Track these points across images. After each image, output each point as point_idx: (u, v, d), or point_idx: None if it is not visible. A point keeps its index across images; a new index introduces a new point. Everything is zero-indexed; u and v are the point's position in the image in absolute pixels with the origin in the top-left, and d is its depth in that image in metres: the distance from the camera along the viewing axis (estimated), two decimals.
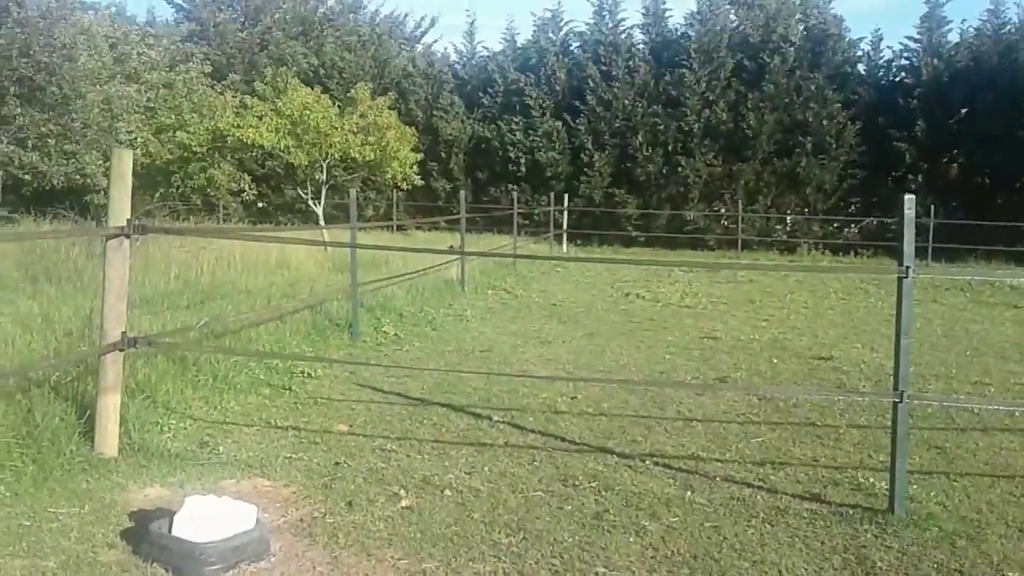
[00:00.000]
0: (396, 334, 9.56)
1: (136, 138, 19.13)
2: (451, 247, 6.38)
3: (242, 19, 34.26)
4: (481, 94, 29.44)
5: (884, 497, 4.53)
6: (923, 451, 5.52)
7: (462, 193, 16.04)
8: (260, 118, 19.53)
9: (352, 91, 22.37)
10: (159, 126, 21.32)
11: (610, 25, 28.91)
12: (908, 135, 25.02)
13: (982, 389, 7.56)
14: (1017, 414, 6.47)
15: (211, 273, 12.25)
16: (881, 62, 27.50)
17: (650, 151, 26.84)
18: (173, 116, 21.40)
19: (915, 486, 4.76)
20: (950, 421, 6.31)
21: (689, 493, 4.66)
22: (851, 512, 4.41)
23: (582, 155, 27.61)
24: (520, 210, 20.93)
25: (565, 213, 25.08)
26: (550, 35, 29.84)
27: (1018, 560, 3.84)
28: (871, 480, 4.90)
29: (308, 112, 19.23)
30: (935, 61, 25.50)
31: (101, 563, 3.58)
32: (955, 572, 3.72)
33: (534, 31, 30.11)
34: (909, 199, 4.33)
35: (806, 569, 3.73)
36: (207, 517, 3.61)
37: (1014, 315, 12.63)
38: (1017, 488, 4.85)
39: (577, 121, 27.68)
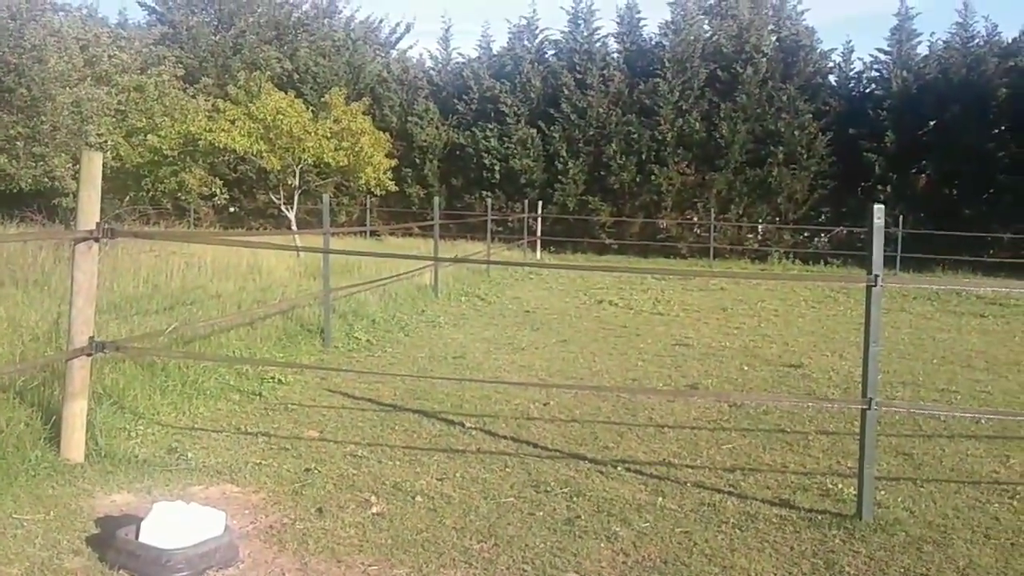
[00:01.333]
0: (368, 340, 9.52)
1: (106, 141, 18.88)
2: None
3: (215, 22, 33.96)
4: (456, 101, 29.45)
5: (852, 503, 4.58)
6: (891, 457, 5.58)
7: (436, 199, 16.02)
8: (233, 122, 19.37)
9: (326, 96, 22.26)
10: (130, 129, 21.07)
11: (585, 33, 29.09)
12: (878, 146, 25.39)
13: (949, 396, 7.67)
14: (983, 421, 6.57)
15: (181, 278, 12.13)
16: (852, 73, 27.94)
17: (624, 159, 26.99)
18: (144, 119, 21.15)
19: (883, 492, 4.82)
20: (917, 428, 6.39)
21: (660, 499, 4.68)
22: (820, 517, 4.45)
23: (556, 162, 27.70)
24: (494, 217, 20.93)
25: (539, 220, 25.14)
26: (525, 43, 29.97)
27: (983, 565, 3.90)
28: (839, 486, 4.94)
29: (281, 116, 19.09)
30: (905, 73, 25.91)
31: (67, 570, 3.53)
32: None
33: (509, 38, 30.27)
34: (878, 209, 4.39)
35: (775, 574, 3.76)
36: (175, 523, 3.57)
37: (980, 324, 12.82)
38: (982, 494, 4.92)
39: (552, 129, 27.77)
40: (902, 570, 3.84)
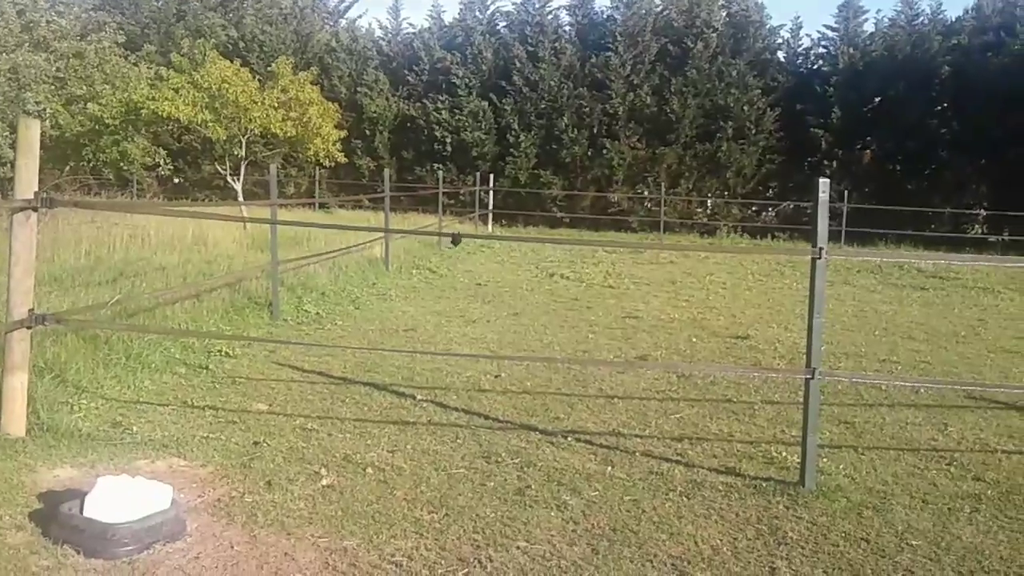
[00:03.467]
0: (318, 313, 9.43)
1: (45, 109, 18.31)
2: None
3: None
4: (407, 72, 29.10)
5: (796, 470, 4.69)
6: (833, 426, 5.72)
7: (386, 172, 15.88)
8: (176, 91, 18.92)
9: (273, 65, 21.81)
10: (69, 97, 20.45)
11: (537, 5, 28.90)
12: (824, 122, 25.73)
13: (890, 367, 7.87)
14: (922, 391, 6.75)
15: (124, 250, 11.89)
16: (800, 50, 28.23)
17: (575, 133, 26.99)
18: (84, 87, 20.54)
19: (825, 459, 4.94)
20: (859, 397, 6.55)
21: (609, 468, 4.73)
22: (764, 485, 4.55)
23: (508, 136, 27.59)
24: (445, 190, 20.82)
25: (491, 193, 25.06)
26: (477, 14, 29.68)
27: (921, 529, 4.02)
28: (783, 454, 5.05)
29: (227, 85, 18.69)
30: (851, 50, 26.24)
31: (8, 545, 3.46)
32: (861, 541, 3.87)
33: (461, 9, 29.94)
34: (824, 183, 4.46)
35: (721, 540, 3.84)
36: (120, 497, 3.52)
37: (921, 296, 13.15)
38: (921, 461, 5.06)
39: (503, 101, 27.62)
40: (843, 534, 3.94)
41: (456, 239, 6.55)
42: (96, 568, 3.31)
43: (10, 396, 4.76)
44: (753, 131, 26.18)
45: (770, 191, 27.59)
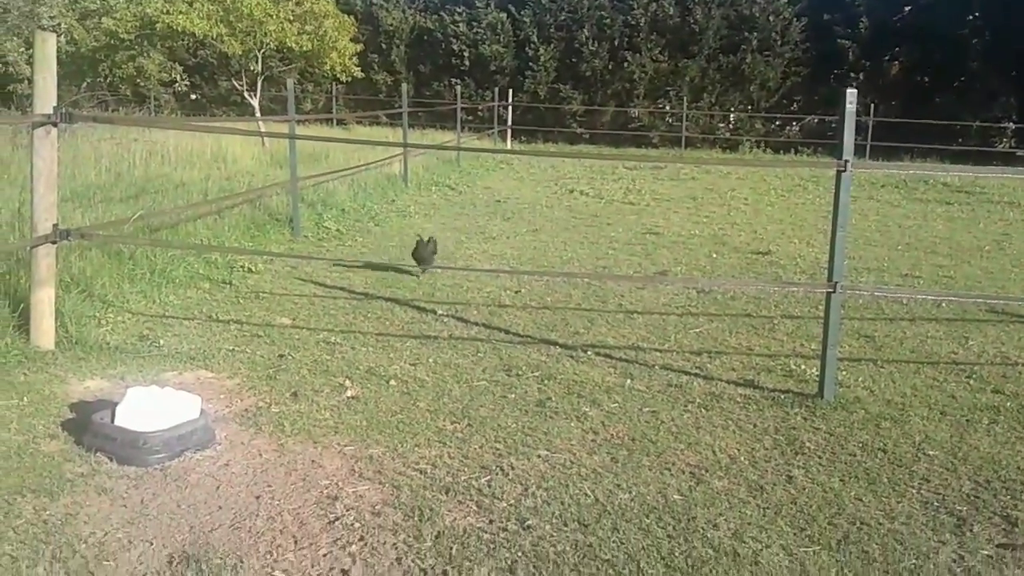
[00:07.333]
0: (338, 230, 9.46)
1: (59, 24, 18.15)
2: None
3: None
4: None
5: (814, 383, 4.72)
6: (853, 340, 5.72)
7: (404, 87, 15.67)
8: (191, 4, 18.63)
9: None
10: (83, 11, 20.23)
11: None
12: (852, 32, 25.04)
13: (912, 281, 7.83)
14: (944, 304, 6.73)
15: (144, 166, 11.89)
16: None
17: (596, 46, 26.43)
18: (98, 1, 20.29)
19: (844, 372, 4.96)
20: (880, 312, 6.53)
21: (629, 381, 4.78)
22: (782, 397, 4.59)
23: (527, 49, 27.08)
24: (463, 105, 20.55)
25: (509, 109, 24.74)
26: None
27: (938, 439, 4.05)
28: (802, 367, 5.08)
29: None
30: None
31: (43, 453, 3.56)
32: (879, 451, 3.92)
33: None
34: (851, 93, 4.36)
35: (738, 449, 3.89)
36: (150, 407, 3.60)
37: (946, 211, 12.99)
38: (940, 374, 5.08)
39: (522, 13, 27.03)
40: (860, 445, 3.98)
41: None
42: (129, 475, 3.41)
43: (38, 310, 4.84)
44: (778, 42, 25.55)
45: (794, 105, 27.05)
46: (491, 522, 3.15)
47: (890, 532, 3.16)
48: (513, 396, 4.49)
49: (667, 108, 26.53)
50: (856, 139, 4.62)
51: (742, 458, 3.79)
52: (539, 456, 3.74)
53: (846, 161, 4.39)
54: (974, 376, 5.04)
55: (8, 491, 3.20)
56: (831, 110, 22.67)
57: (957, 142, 23.11)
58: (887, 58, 25.60)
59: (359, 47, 22.72)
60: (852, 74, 24.92)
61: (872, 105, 22.09)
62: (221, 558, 2.84)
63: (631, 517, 3.21)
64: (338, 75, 21.84)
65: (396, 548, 2.95)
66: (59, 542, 2.89)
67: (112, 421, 3.61)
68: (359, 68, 22.65)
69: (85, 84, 20.54)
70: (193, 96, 25.78)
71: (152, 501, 3.22)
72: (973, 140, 23.70)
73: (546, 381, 4.74)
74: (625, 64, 26.23)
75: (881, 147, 21.61)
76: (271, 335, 5.45)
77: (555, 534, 3.07)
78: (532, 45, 26.96)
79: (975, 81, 24.09)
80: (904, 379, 4.95)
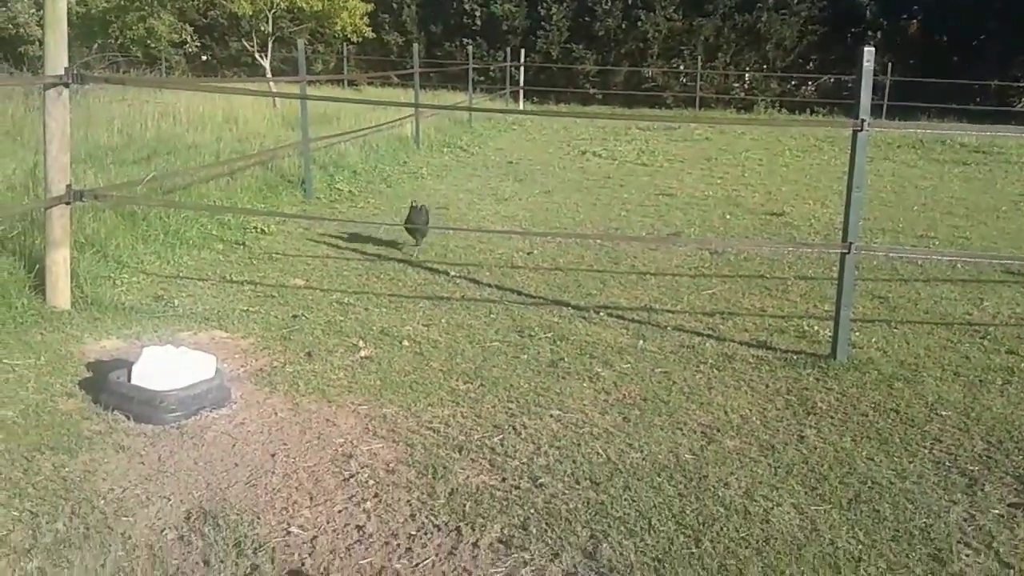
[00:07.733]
0: (350, 191, 9.45)
1: None
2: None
3: None
4: None
5: (827, 344, 4.71)
6: (867, 301, 5.70)
7: (415, 47, 15.55)
8: None
9: None
10: None
11: None
12: None
13: (927, 242, 7.77)
14: (959, 266, 6.68)
15: (156, 128, 11.87)
16: None
17: (609, 4, 26.09)
18: None
19: (857, 333, 4.94)
20: (894, 273, 6.50)
21: (641, 342, 4.79)
22: (795, 358, 4.58)
23: (539, 8, 26.76)
24: (475, 66, 20.37)
25: (521, 69, 24.51)
26: None
27: (951, 400, 4.05)
28: (815, 328, 5.07)
29: None
30: None
31: (61, 411, 3.61)
32: (891, 411, 3.92)
33: None
34: (868, 51, 4.29)
35: (750, 409, 3.90)
36: (166, 366, 3.63)
37: (963, 172, 12.85)
38: (954, 335, 5.06)
39: None
40: (873, 405, 3.98)
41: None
42: (146, 432, 3.45)
43: (54, 270, 4.87)
44: (795, 0, 25.13)
45: (810, 64, 26.69)
46: (504, 480, 3.17)
47: (901, 491, 3.17)
48: (525, 357, 4.50)
49: (681, 68, 26.23)
50: (873, 99, 4.55)
51: (754, 418, 3.80)
52: (551, 416, 3.76)
53: (863, 120, 4.34)
54: (988, 337, 5.02)
55: (27, 448, 3.25)
56: (847, 69, 22.40)
57: (975, 102, 22.77)
58: (905, 16, 25.17)
59: (370, 7, 22.48)
60: (869, 32, 24.56)
61: (889, 64, 21.76)
62: (238, 514, 2.88)
63: (643, 476, 3.23)
64: (349, 36, 21.66)
65: (410, 505, 2.99)
66: (78, 498, 2.93)
67: (128, 380, 3.64)
68: (370, 28, 22.45)
69: (96, 45, 20.46)
70: (204, 57, 25.64)
71: (169, 458, 3.26)
72: (991, 100, 23.36)
73: (558, 342, 4.75)
74: (639, 23, 25.90)
75: (898, 107, 21.33)
76: (284, 296, 5.47)
77: (567, 492, 3.09)
78: (544, 4, 26.64)
79: (993, 40, 23.66)
80: (918, 340, 4.94)
